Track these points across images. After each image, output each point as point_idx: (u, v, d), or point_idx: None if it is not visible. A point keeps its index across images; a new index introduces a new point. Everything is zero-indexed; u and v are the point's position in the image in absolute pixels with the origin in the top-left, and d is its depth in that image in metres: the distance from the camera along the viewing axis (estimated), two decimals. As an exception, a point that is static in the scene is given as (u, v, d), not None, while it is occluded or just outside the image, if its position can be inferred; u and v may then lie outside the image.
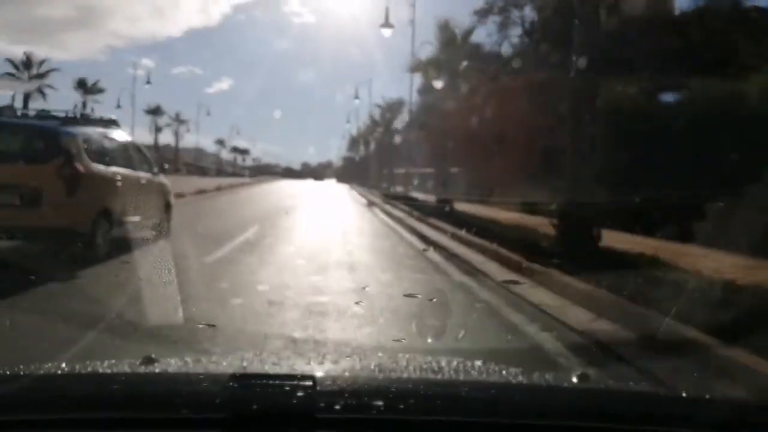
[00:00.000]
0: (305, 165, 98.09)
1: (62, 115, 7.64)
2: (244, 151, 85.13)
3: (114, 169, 7.45)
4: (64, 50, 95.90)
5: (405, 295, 5.30)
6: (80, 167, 6.51)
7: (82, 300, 4.90)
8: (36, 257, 6.47)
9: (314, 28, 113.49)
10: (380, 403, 1.13)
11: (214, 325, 3.95)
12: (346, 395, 1.14)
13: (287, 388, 1.13)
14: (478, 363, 1.54)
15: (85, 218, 6.49)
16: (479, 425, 1.16)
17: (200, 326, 3.91)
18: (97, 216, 6.71)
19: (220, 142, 78.49)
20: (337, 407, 1.11)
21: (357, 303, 5.05)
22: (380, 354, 2.51)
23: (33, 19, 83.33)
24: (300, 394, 1.11)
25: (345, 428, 1.14)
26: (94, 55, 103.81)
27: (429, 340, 3.78)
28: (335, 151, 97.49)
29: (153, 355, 1.40)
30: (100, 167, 7.07)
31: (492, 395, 1.29)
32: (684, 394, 1.43)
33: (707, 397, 1.42)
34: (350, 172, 66.18)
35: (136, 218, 7.81)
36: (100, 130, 7.67)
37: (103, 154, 7.33)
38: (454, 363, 1.54)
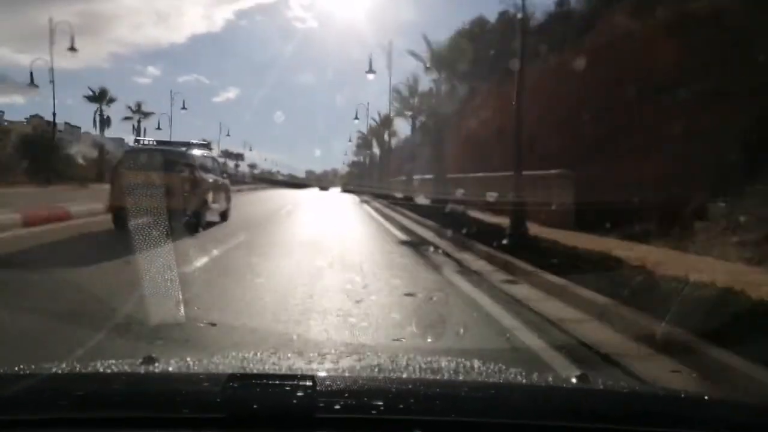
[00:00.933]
0: (310, 172, 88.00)
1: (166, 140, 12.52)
2: (237, 156, 73.60)
3: (208, 175, 12.26)
4: (68, 58, 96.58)
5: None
6: (197, 175, 11.32)
7: (201, 241, 9.67)
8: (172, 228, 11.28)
9: (318, 33, 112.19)
10: (380, 403, 1.15)
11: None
12: (346, 395, 1.17)
13: (287, 388, 1.15)
14: (478, 363, 1.58)
15: (198, 205, 11.33)
16: (478, 425, 1.17)
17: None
18: (202, 204, 11.51)
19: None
20: (337, 407, 1.13)
21: None
22: (380, 354, 2.56)
23: (37, 27, 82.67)
24: (300, 394, 1.13)
25: (345, 428, 1.14)
26: (98, 62, 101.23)
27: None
28: (341, 156, 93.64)
29: (153, 355, 1.47)
30: (204, 175, 11.87)
31: (491, 396, 1.31)
32: (683, 395, 1.47)
33: (706, 397, 1.49)
34: (358, 180, 57.14)
35: (217, 205, 12.68)
36: (201, 150, 12.50)
37: (204, 166, 12.15)
38: (454, 363, 1.60)
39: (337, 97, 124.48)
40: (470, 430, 1.16)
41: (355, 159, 68.60)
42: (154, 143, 12.76)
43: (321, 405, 1.13)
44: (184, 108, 47.40)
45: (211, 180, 12.35)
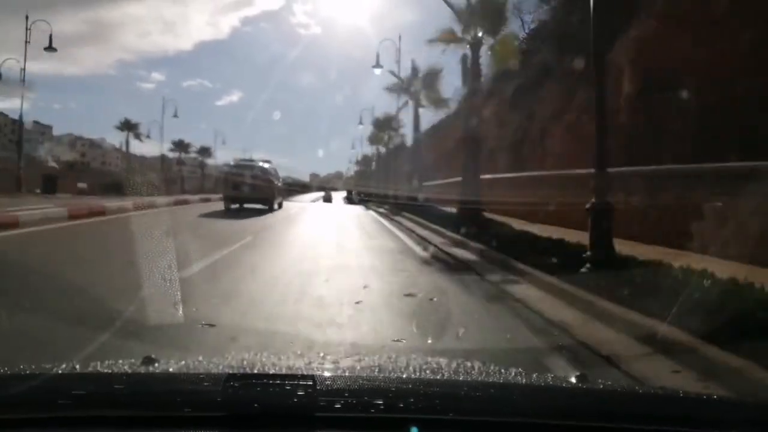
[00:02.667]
0: (314, 175, 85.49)
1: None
2: (203, 152, 57.77)
3: (276, 181, 20.94)
4: (74, 65, 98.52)
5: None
6: (274, 182, 20.24)
7: (278, 215, 18.19)
8: (257, 210, 19.85)
9: (321, 38, 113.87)
10: (380, 402, 1.15)
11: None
12: (347, 394, 1.18)
13: (288, 387, 1.16)
14: (478, 363, 1.60)
15: (274, 198, 20.16)
16: (478, 424, 1.18)
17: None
18: (273, 198, 20.29)
19: (132, 130, 49.00)
20: (338, 406, 1.14)
21: None
22: (380, 354, 2.61)
23: (42, 34, 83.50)
24: (300, 393, 1.14)
25: (345, 427, 1.15)
26: (105, 69, 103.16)
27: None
28: (347, 154, 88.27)
29: (153, 355, 1.48)
30: (274, 181, 20.60)
31: (491, 395, 1.31)
32: (681, 394, 1.48)
33: (705, 397, 1.50)
34: (375, 182, 39.99)
35: (279, 200, 21.57)
36: (272, 165, 21.39)
37: (273, 174, 20.99)
38: (454, 363, 1.60)
39: (341, 102, 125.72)
40: (469, 428, 1.16)
41: (368, 152, 51.63)
42: (243, 159, 21.65)
43: (321, 404, 1.14)
44: (50, 48, 24.93)
45: (276, 183, 20.98)
